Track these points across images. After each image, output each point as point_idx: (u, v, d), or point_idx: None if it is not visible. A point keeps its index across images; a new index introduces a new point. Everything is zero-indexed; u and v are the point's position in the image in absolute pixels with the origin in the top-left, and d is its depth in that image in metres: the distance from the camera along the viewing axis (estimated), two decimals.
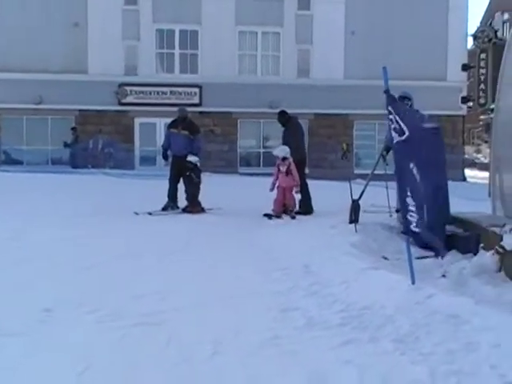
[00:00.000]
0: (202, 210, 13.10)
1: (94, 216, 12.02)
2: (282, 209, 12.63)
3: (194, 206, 13.09)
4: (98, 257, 8.29)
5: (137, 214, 12.46)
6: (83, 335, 5.09)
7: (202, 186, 13.29)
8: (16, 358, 4.55)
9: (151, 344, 4.89)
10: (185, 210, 13.07)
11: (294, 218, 12.38)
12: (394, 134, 6.81)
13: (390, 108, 6.86)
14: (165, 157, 14.06)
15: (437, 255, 8.15)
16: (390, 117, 6.83)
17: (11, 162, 27.64)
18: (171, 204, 13.23)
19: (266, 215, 12.33)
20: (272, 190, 12.77)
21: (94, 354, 4.67)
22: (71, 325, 5.36)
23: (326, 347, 4.78)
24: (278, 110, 25.94)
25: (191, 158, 13.19)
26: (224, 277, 7.30)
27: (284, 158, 12.75)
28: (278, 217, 12.37)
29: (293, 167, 12.69)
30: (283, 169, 12.71)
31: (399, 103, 7.61)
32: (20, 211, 12.40)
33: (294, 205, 12.82)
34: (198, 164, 13.37)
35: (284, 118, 13.65)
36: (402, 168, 6.93)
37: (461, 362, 4.35)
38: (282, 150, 12.89)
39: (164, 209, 13.09)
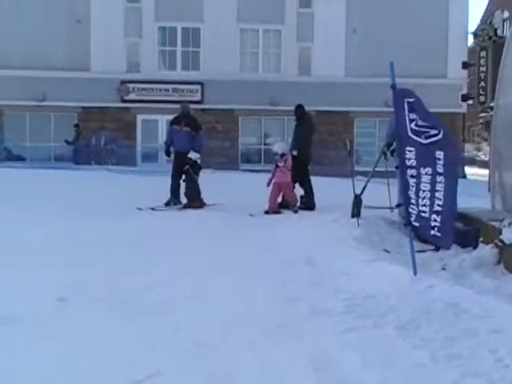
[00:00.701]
0: (201, 206, 13.22)
1: (99, 211, 12.12)
2: (277, 204, 12.75)
3: (193, 201, 13.23)
4: (105, 250, 8.45)
5: (140, 209, 12.61)
6: (97, 323, 5.27)
7: (199, 182, 13.42)
8: (34, 345, 4.72)
9: (162, 330, 5.06)
10: (186, 206, 13.20)
11: (296, 212, 12.50)
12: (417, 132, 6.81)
13: (406, 105, 6.92)
14: (167, 153, 14.15)
15: (437, 249, 8.31)
16: (412, 116, 6.87)
17: (14, 158, 27.74)
18: (174, 200, 13.37)
19: (266, 212, 12.45)
20: (268, 185, 12.88)
21: (108, 340, 4.85)
22: (84, 313, 5.54)
23: (330, 333, 4.96)
24: (278, 107, 26.16)
25: (191, 155, 13.32)
26: (229, 268, 7.44)
27: (282, 154, 12.90)
28: (276, 212, 12.46)
29: (289, 163, 12.86)
30: (281, 164, 12.83)
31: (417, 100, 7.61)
32: (25, 206, 12.52)
33: (295, 200, 12.93)
34: (199, 161, 13.50)
35: (300, 112, 13.87)
36: (405, 162, 7.01)
37: (460, 347, 4.52)
38: (281, 147, 13.10)
39: (167, 204, 13.24)
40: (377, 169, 11.81)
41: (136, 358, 4.48)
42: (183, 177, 13.48)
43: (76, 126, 28.40)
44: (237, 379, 4.10)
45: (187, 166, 13.29)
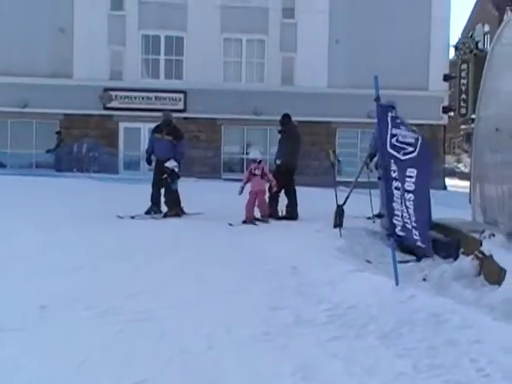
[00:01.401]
0: (179, 214, 13.20)
1: (80, 219, 12.10)
2: (253, 215, 12.57)
3: (171, 210, 13.23)
4: (86, 258, 8.44)
5: (121, 217, 12.58)
6: (80, 330, 5.28)
7: (179, 191, 13.42)
8: (16, 352, 4.72)
9: (147, 338, 5.08)
10: (166, 215, 13.15)
11: (266, 222, 12.47)
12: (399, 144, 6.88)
13: (389, 119, 7.01)
14: (148, 162, 14.07)
15: (418, 260, 8.42)
16: (395, 131, 6.93)
17: None
18: (154, 208, 13.33)
19: (244, 222, 12.41)
20: (240, 193, 12.75)
21: (92, 347, 4.86)
22: (68, 320, 5.55)
23: (314, 343, 5.02)
24: (261, 117, 26.32)
25: (168, 164, 13.30)
26: (212, 277, 7.48)
27: (260, 161, 12.88)
28: (252, 222, 12.28)
29: (267, 170, 12.83)
30: (258, 172, 12.72)
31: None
32: (5, 213, 12.46)
33: (266, 210, 12.78)
34: (176, 169, 13.47)
35: (284, 121, 13.77)
36: (390, 174, 7.08)
37: (442, 357, 4.62)
38: (257, 154, 13.11)
39: (147, 213, 13.19)
40: (359, 179, 11.91)
41: (121, 365, 4.51)
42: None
43: (58, 133, 28.28)
44: None
45: (165, 175, 13.30)
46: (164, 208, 13.38)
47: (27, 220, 11.54)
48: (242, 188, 12.84)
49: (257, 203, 12.61)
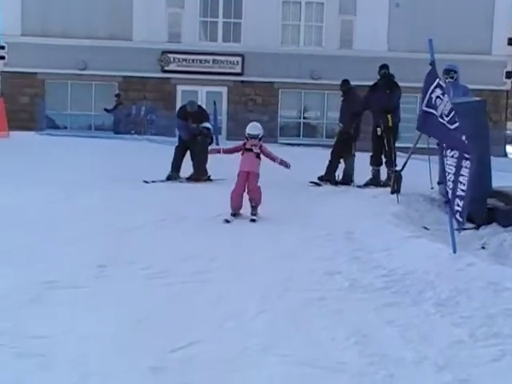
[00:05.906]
0: (209, 179, 12.97)
1: (136, 181, 12.17)
2: (242, 203, 9.45)
3: (201, 174, 12.96)
4: (140, 220, 8.52)
5: (146, 182, 12.30)
6: (137, 290, 5.37)
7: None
8: (74, 310, 4.83)
9: (201, 300, 5.14)
10: (190, 179, 12.86)
11: (254, 215, 9.32)
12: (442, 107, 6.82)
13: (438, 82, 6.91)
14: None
15: (477, 227, 8.27)
16: (437, 93, 6.86)
17: (54, 126, 28.04)
18: (175, 174, 12.96)
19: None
20: (211, 152, 11.27)
21: (148, 307, 4.94)
22: (125, 280, 5.65)
23: (369, 308, 5.00)
24: (319, 81, 26.04)
25: (206, 124, 13.26)
26: (267, 241, 7.51)
27: (260, 138, 9.90)
28: (234, 215, 9.27)
29: (267, 150, 10.04)
30: (255, 149, 9.74)
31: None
32: (65, 175, 12.64)
33: (259, 198, 9.48)
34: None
35: (345, 86, 13.66)
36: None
37: (500, 326, 4.55)
38: (256, 128, 10.03)
39: (168, 178, 12.80)
40: (418, 145, 11.68)
41: (176, 326, 4.56)
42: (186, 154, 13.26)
43: (117, 95, 28.51)
44: (276, 350, 4.15)
45: (202, 136, 13.08)
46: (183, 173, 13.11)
47: (85, 182, 11.70)
48: (219, 150, 10.71)
49: (247, 189, 9.49)
